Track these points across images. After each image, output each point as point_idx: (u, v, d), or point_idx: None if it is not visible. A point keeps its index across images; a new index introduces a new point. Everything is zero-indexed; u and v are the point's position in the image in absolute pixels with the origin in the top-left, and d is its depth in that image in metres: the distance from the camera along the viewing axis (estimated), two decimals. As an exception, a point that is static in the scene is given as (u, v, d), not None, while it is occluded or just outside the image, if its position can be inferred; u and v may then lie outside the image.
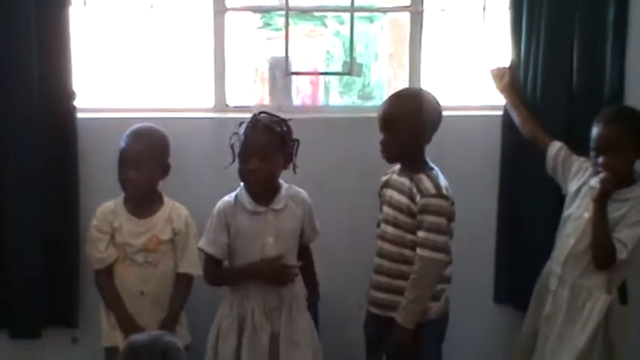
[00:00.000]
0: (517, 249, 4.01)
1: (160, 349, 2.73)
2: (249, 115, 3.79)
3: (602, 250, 3.43)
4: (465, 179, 3.68)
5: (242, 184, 3.42)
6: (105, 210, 3.54)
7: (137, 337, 2.85)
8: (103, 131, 3.74)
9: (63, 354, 3.87)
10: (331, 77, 4.13)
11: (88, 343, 3.78)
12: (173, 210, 3.57)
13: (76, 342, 3.86)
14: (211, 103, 3.95)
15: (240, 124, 3.40)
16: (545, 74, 3.86)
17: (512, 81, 3.90)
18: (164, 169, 3.56)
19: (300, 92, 4.10)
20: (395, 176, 3.50)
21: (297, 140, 3.44)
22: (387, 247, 3.45)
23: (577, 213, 3.57)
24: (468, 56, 4.15)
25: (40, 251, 3.67)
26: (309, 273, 3.61)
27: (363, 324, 3.63)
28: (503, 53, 3.98)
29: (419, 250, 3.33)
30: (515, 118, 3.86)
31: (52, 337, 3.81)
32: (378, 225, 3.54)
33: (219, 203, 3.44)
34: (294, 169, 3.44)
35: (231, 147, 3.39)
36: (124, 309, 3.49)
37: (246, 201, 3.40)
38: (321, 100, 4.11)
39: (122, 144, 3.49)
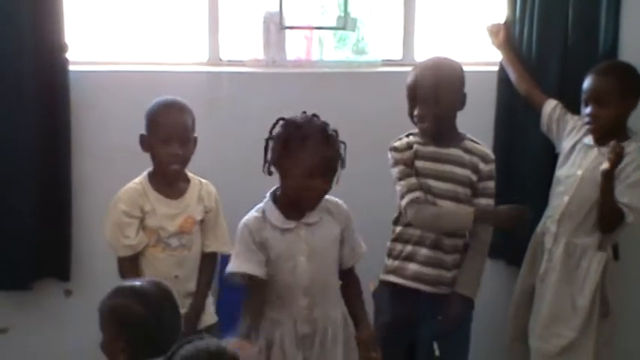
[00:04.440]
0: (510, 204, 3.99)
1: None
2: (242, 70, 3.78)
3: (610, 219, 3.46)
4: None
5: (268, 196, 3.05)
6: (132, 193, 3.27)
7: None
8: (96, 85, 3.71)
9: (56, 306, 3.87)
10: (325, 32, 4.11)
11: (81, 295, 3.79)
12: (202, 188, 3.37)
13: (69, 294, 3.86)
14: (205, 57, 3.92)
15: (277, 122, 3.00)
16: (540, 31, 3.85)
17: (507, 37, 3.89)
18: (195, 144, 3.34)
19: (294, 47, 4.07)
20: (432, 148, 3.33)
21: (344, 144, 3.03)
22: None
23: (571, 171, 3.58)
24: (464, 11, 4.13)
25: (32, 204, 3.65)
26: (352, 303, 3.14)
27: (393, 302, 3.43)
28: (498, 9, 3.96)
29: None
30: (511, 75, 3.86)
31: (44, 289, 3.80)
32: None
33: (245, 222, 3.01)
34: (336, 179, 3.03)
35: (265, 149, 2.98)
36: None
37: (275, 217, 2.99)
38: (315, 55, 4.08)
39: (159, 118, 3.24)
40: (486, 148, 3.38)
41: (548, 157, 3.80)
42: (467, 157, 3.31)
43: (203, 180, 3.39)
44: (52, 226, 3.70)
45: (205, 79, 3.87)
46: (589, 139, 3.52)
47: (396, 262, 3.40)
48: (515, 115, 3.95)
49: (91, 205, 3.75)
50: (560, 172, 3.64)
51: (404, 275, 3.37)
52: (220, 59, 3.93)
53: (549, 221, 3.63)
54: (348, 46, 4.16)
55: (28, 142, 3.59)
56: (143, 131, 3.35)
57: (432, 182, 3.31)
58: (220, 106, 3.78)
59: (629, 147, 3.48)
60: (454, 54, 4.01)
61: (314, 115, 2.99)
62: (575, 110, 3.65)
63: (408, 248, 3.37)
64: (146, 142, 3.27)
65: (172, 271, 3.27)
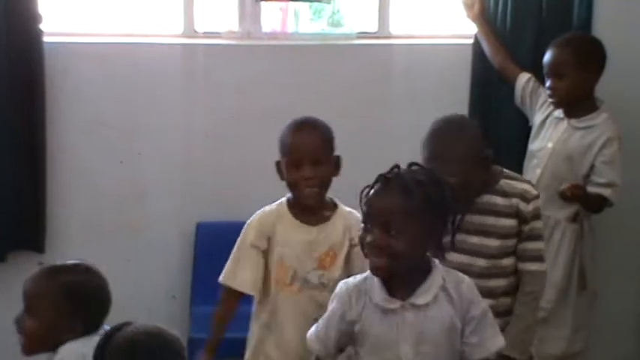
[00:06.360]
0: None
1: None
2: (217, 42, 3.77)
3: (593, 208, 3.55)
4: (433, 108, 3.67)
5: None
6: (265, 215, 2.94)
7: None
8: (71, 56, 3.70)
9: (30, 279, 3.86)
10: (301, 4, 4.10)
11: (56, 268, 3.78)
12: (351, 217, 2.89)
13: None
14: (180, 29, 3.90)
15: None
16: (515, 3, 3.85)
17: (482, 10, 3.89)
18: (337, 165, 2.94)
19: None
20: None
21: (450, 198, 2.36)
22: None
23: (542, 144, 3.61)
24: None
25: (6, 175, 3.63)
26: None
27: None
28: (473, -18, 3.96)
29: (535, 266, 2.85)
30: (486, 48, 3.86)
31: (18, 261, 3.78)
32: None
33: (339, 291, 2.45)
34: (452, 246, 2.44)
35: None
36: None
37: (376, 291, 2.37)
38: (290, 27, 4.07)
39: (288, 140, 2.89)
40: (526, 183, 2.90)
41: (523, 130, 3.81)
42: (502, 202, 2.82)
43: (351, 209, 2.90)
44: (27, 197, 3.68)
45: (180, 51, 3.85)
46: (559, 112, 3.56)
47: None
48: (490, 88, 3.95)
49: (66, 176, 3.74)
50: (533, 145, 3.66)
51: None
52: (195, 31, 3.90)
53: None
54: (324, 19, 4.15)
55: (1, 114, 3.56)
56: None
57: (466, 236, 2.78)
58: (195, 78, 3.77)
59: (598, 118, 3.53)
60: (429, 26, 4.05)
61: (412, 166, 2.38)
62: (549, 83, 3.68)
63: None
64: (280, 168, 2.92)
65: (312, 313, 2.78)
